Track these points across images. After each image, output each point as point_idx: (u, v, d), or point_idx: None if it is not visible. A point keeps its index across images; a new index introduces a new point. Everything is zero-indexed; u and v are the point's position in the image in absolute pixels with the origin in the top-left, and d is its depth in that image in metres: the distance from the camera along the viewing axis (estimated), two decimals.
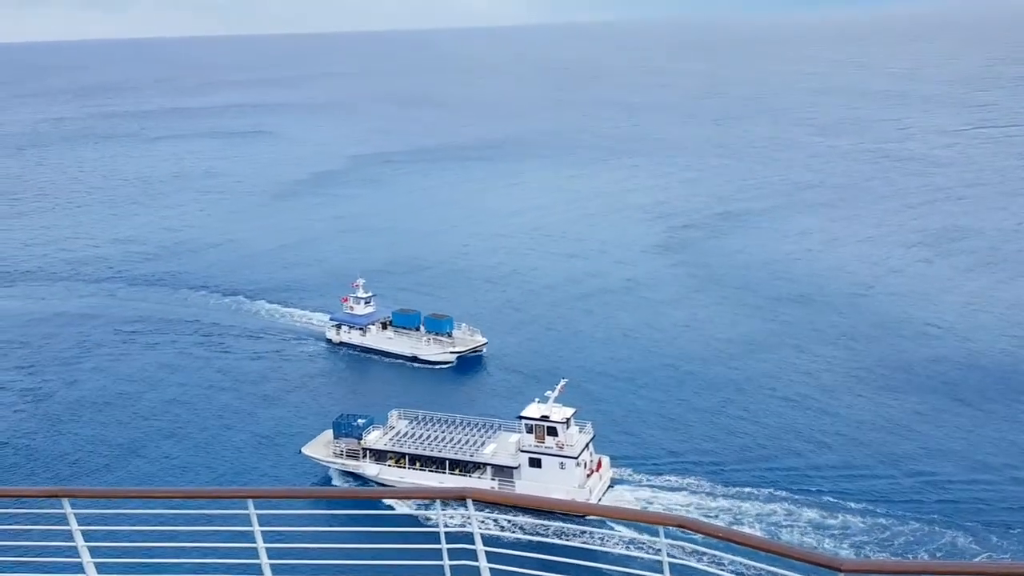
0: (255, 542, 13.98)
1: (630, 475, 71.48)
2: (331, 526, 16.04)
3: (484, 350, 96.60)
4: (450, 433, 74.35)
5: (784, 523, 63.98)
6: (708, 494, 67.90)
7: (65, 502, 13.93)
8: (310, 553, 15.75)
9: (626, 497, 67.81)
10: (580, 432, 70.56)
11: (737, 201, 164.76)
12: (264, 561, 14.08)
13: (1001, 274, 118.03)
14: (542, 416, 69.54)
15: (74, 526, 13.98)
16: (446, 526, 13.81)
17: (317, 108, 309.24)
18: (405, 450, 72.70)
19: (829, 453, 74.24)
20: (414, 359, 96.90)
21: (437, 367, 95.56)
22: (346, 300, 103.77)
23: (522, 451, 69.68)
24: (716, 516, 64.39)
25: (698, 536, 12.60)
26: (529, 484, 68.34)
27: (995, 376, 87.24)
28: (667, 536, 12.50)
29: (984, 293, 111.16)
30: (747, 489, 68.41)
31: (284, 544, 14.77)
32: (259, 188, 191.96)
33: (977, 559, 56.45)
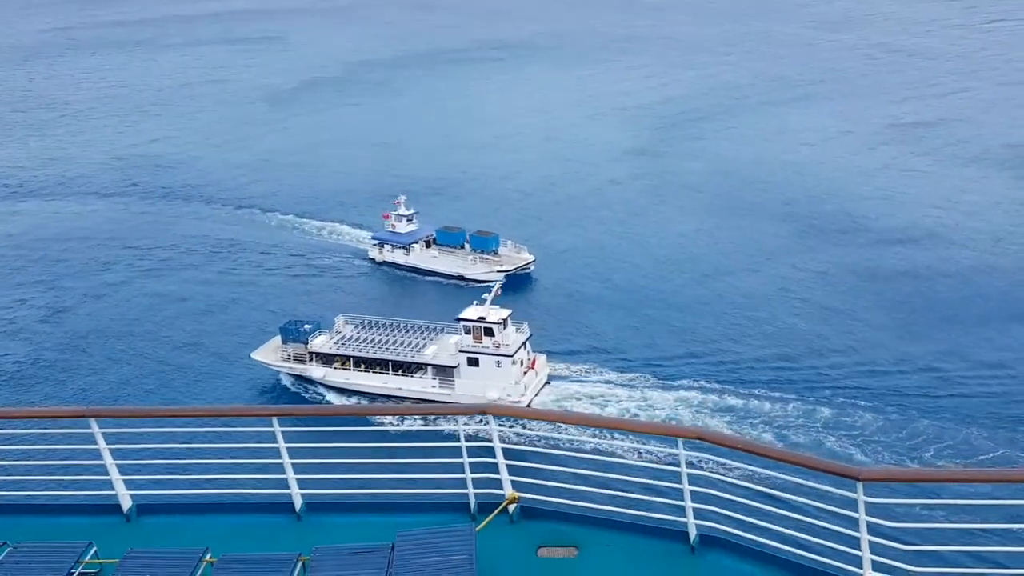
0: (280, 458, 14.26)
1: (574, 372, 75.49)
2: (354, 442, 16.33)
3: (532, 268, 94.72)
4: (394, 336, 77.35)
5: (745, 416, 67.30)
6: (650, 387, 71.91)
7: (92, 422, 14.20)
8: (335, 468, 16.04)
9: (564, 391, 72.33)
10: (517, 332, 74.27)
11: (727, 98, 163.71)
12: (291, 476, 14.38)
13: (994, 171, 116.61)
14: (479, 317, 73.14)
15: (102, 444, 14.28)
16: (467, 440, 14.03)
17: (323, 12, 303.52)
18: (349, 353, 75.93)
19: (768, 347, 77.71)
20: (460, 278, 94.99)
21: (484, 285, 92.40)
22: (387, 217, 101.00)
23: (461, 351, 73.30)
24: (659, 409, 68.61)
25: (716, 447, 12.76)
26: (467, 383, 72.26)
27: (1001, 279, 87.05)
28: (686, 447, 12.66)
29: (972, 190, 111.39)
30: (693, 381, 72.31)
31: (309, 459, 15.03)
32: (269, 95, 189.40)
33: (990, 463, 57.18)
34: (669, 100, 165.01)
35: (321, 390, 75.88)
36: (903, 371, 72.80)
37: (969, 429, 63.93)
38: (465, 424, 14.67)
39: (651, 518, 13.47)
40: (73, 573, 12.89)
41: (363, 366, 75.56)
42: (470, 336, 73.18)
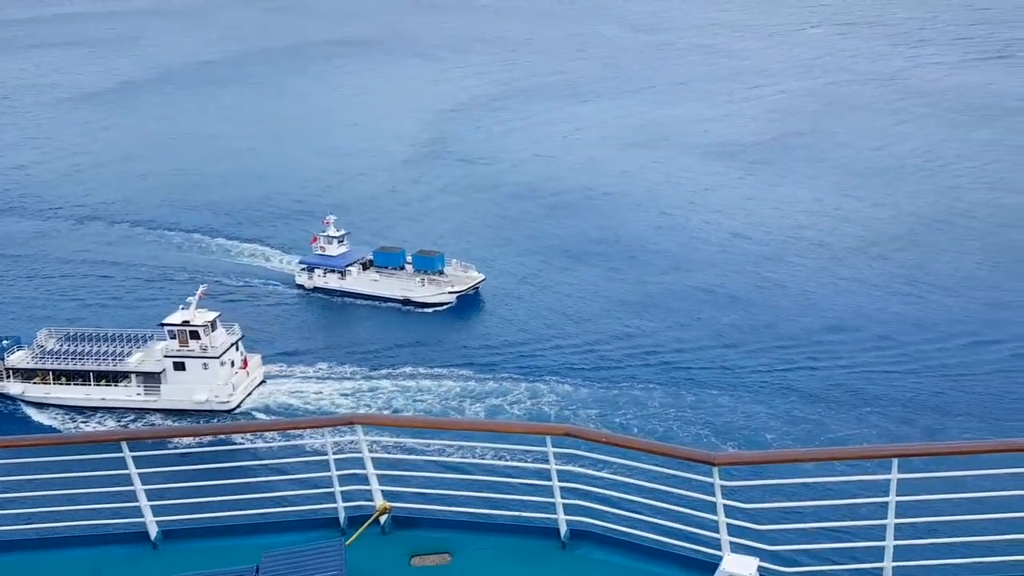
0: (132, 484, 13.53)
1: (297, 372, 77.22)
2: (214, 462, 15.66)
3: (481, 287, 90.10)
4: (99, 347, 76.81)
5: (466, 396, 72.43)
6: (370, 379, 75.58)
7: None
8: (194, 491, 15.32)
9: (282, 389, 74.48)
10: (227, 333, 75.14)
11: (517, 97, 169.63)
12: (143, 503, 13.66)
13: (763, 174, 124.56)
14: (183, 321, 73.67)
15: None
16: (335, 452, 13.71)
17: (172, 13, 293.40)
18: (49, 367, 74.84)
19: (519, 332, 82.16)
20: (407, 302, 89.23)
21: (432, 310, 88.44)
22: (315, 240, 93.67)
23: (166, 356, 73.54)
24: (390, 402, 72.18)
25: (584, 442, 12.96)
26: (174, 387, 73.02)
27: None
28: (554, 444, 12.80)
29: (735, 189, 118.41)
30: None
31: (164, 484, 14.32)
32: (126, 101, 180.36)
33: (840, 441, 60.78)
34: (467, 99, 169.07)
35: (22, 407, 74.38)
36: (683, 354, 77.93)
37: (817, 408, 67.81)
38: (331, 436, 14.34)
39: (522, 517, 13.57)
40: None
41: (64, 379, 74.25)
42: (176, 341, 73.34)
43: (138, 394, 73.12)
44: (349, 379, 75.88)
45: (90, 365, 73.96)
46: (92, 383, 73.48)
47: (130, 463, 13.28)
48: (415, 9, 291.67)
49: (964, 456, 11.39)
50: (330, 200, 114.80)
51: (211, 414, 72.12)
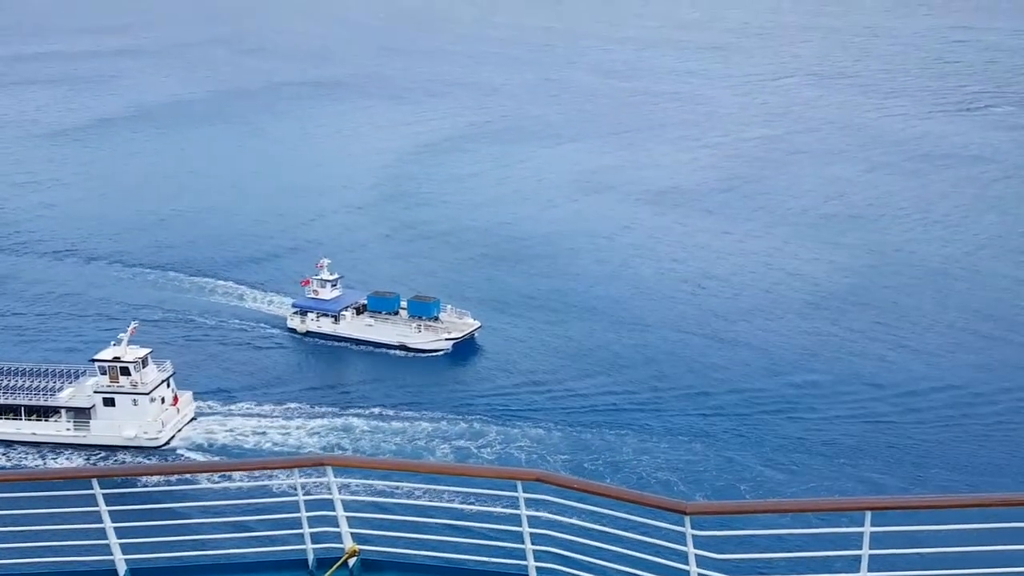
0: (102, 522, 13.43)
1: (228, 408, 77.38)
2: (184, 501, 15.58)
3: (477, 334, 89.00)
4: (29, 381, 76.90)
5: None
6: (304, 418, 76.02)
7: None
8: (163, 530, 15.21)
9: (212, 427, 74.79)
10: (158, 370, 75.66)
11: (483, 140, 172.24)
12: (112, 541, 13.55)
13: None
14: (114, 358, 74.13)
15: None
16: (306, 494, 13.69)
17: (150, 53, 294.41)
18: None
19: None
20: (402, 347, 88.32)
21: (428, 355, 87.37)
22: (307, 283, 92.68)
23: (96, 392, 73.88)
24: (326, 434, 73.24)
25: (555, 488, 13.02)
26: (103, 423, 73.37)
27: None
28: (525, 490, 12.85)
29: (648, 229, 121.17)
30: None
31: (134, 523, 14.21)
32: (104, 138, 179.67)
33: (813, 492, 60.84)
34: (428, 141, 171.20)
35: None
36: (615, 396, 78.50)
37: (792, 457, 68.00)
38: (302, 477, 14.31)
39: (492, 563, 13.53)
40: None
41: None
42: (107, 377, 73.78)
43: (68, 429, 73.15)
44: (320, 418, 75.77)
45: (21, 399, 74.01)
46: (23, 418, 73.46)
47: (100, 501, 13.19)
48: (391, 53, 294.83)
49: (937, 510, 11.39)
50: (292, 241, 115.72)
51: (139, 450, 72.39)
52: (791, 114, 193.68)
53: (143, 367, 74.11)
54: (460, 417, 75.29)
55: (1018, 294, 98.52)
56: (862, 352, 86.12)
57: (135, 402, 72.66)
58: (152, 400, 73.00)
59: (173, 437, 73.19)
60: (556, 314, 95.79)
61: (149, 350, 76.02)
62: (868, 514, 10.93)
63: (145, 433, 72.15)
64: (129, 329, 75.71)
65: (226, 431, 74.00)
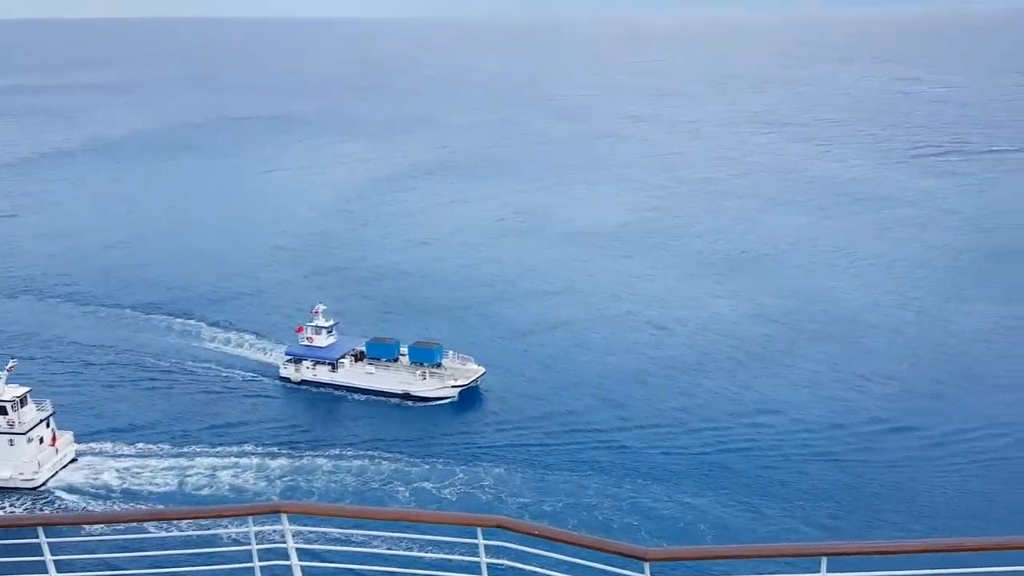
0: (47, 572, 12.99)
1: (111, 449, 75.92)
2: (132, 551, 15.09)
3: (480, 381, 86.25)
4: None
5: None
6: (189, 456, 74.71)
7: None
8: None
9: (93, 467, 73.31)
10: (37, 410, 74.20)
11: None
12: None
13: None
14: None
15: None
16: (259, 543, 13.35)
17: (121, 89, 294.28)
18: None
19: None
20: (406, 396, 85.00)
21: (432, 404, 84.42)
22: (301, 330, 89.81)
23: None
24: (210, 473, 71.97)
25: (515, 535, 12.86)
26: None
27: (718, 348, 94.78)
28: (485, 536, 12.68)
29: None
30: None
31: (80, 573, 13.75)
32: (71, 170, 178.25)
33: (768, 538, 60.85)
34: (377, 177, 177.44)
35: None
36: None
37: (752, 500, 68.11)
38: (255, 525, 13.96)
39: None
40: None
41: None
42: None
43: None
44: (272, 458, 74.63)
45: None
46: None
47: (45, 550, 12.76)
48: (358, 91, 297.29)
49: (893, 556, 11.45)
50: (238, 287, 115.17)
51: (16, 492, 70.71)
52: (731, 159, 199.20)
53: (21, 406, 72.95)
54: (421, 460, 74.45)
55: (962, 339, 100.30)
56: (819, 393, 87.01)
57: (11, 442, 71.33)
58: (29, 440, 71.71)
59: (51, 478, 71.55)
60: (516, 350, 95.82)
61: (28, 389, 74.77)
62: (824, 560, 10.95)
63: (21, 474, 70.62)
64: (7, 368, 74.50)
65: (112, 472, 72.46)
